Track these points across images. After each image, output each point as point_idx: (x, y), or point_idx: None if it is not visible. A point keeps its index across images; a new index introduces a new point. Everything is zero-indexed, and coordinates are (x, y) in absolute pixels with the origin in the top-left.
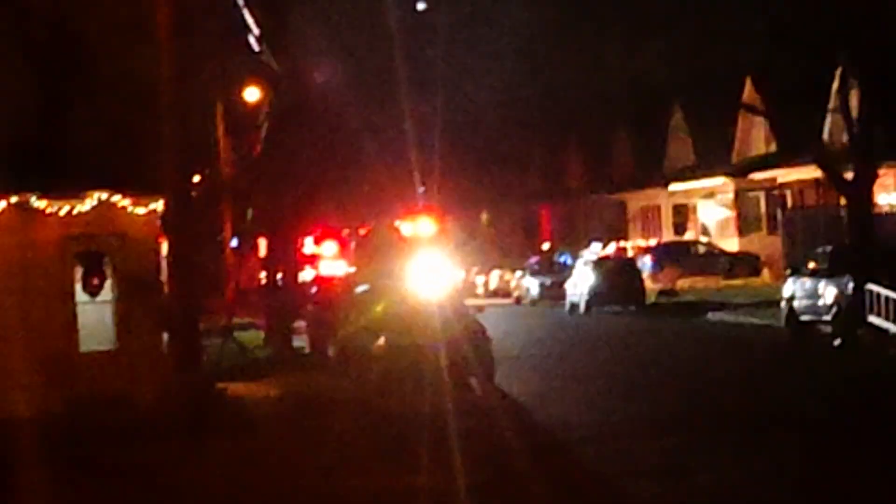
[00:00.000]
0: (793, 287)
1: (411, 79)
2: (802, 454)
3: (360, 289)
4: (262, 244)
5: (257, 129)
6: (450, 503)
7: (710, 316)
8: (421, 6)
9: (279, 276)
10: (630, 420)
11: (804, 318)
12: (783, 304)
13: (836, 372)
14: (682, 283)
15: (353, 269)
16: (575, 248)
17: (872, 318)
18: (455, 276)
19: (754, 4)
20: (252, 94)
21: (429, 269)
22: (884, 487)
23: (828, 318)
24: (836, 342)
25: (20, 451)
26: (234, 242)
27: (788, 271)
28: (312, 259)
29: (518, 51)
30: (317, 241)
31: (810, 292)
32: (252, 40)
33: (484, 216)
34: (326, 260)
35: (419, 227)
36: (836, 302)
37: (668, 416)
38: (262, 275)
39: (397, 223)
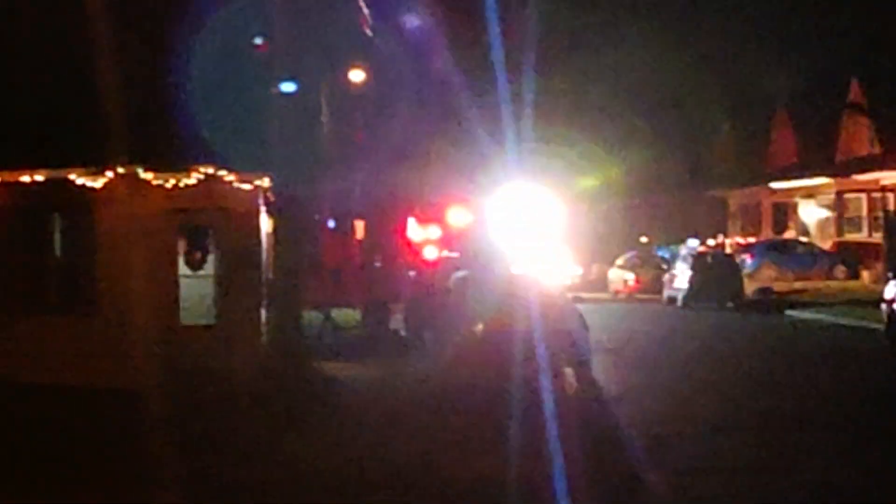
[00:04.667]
0: (893, 290)
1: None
2: (887, 459)
3: (460, 274)
4: (360, 226)
5: (361, 110)
6: (535, 493)
7: (809, 316)
8: None
9: (377, 258)
10: (724, 417)
11: None
12: (884, 306)
13: None
14: (781, 282)
15: (454, 254)
16: (673, 243)
17: None
18: (567, 269)
19: (864, 6)
20: (357, 76)
21: (530, 258)
22: None
23: None
24: None
25: (121, 421)
26: (331, 223)
27: (890, 274)
28: (416, 243)
29: (628, 42)
30: (421, 224)
31: None
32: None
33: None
34: (430, 244)
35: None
36: None
37: (761, 415)
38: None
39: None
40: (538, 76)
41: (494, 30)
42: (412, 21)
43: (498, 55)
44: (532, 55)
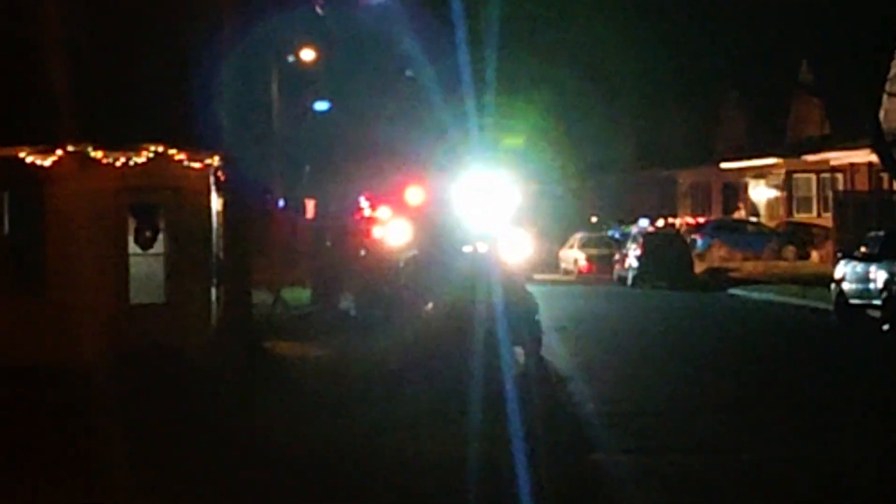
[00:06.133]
0: (843, 270)
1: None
2: (839, 435)
3: (409, 253)
4: (310, 206)
5: (312, 88)
6: (487, 472)
7: (759, 296)
8: None
9: (327, 237)
10: (671, 397)
11: (854, 301)
12: (833, 286)
13: (883, 356)
14: (730, 262)
15: (404, 233)
16: (623, 223)
17: None
18: (523, 249)
19: None
20: (308, 54)
21: (486, 238)
22: None
23: (878, 302)
24: (885, 327)
25: (70, 400)
26: (280, 203)
27: (839, 254)
28: (368, 222)
29: (583, 22)
30: (373, 206)
31: (861, 276)
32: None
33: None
34: (381, 224)
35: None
36: (887, 286)
37: (711, 395)
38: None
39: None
40: (499, 56)
41: (456, 10)
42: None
43: (460, 33)
44: (494, 34)
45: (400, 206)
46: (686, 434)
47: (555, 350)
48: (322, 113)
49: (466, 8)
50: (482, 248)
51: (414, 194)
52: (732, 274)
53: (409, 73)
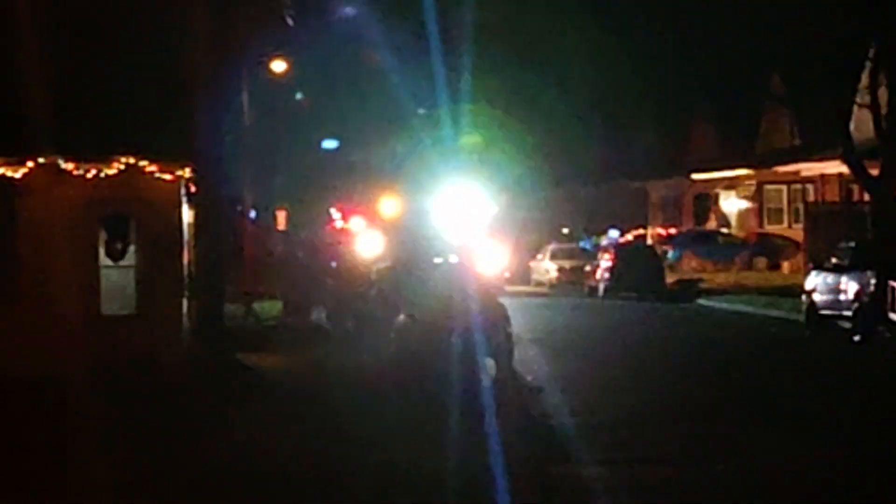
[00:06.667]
0: (814, 281)
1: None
2: (812, 446)
3: (381, 264)
4: (281, 217)
5: (283, 100)
6: (458, 484)
7: (730, 307)
8: None
9: (298, 248)
10: (644, 407)
11: (824, 312)
12: (804, 297)
13: (853, 367)
14: (702, 273)
15: (376, 245)
16: (595, 234)
17: (893, 315)
18: (500, 261)
19: None
20: (279, 66)
21: (461, 249)
22: (889, 482)
23: (848, 313)
24: (856, 338)
25: (41, 411)
26: (252, 214)
27: (810, 265)
28: (340, 233)
29: (556, 34)
30: (345, 217)
31: (831, 287)
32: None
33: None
34: (354, 235)
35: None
36: (858, 297)
37: (685, 405)
38: (281, 246)
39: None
40: (472, 68)
41: (430, 22)
42: (341, 9)
43: (435, 43)
44: (466, 46)
45: (372, 218)
46: (660, 444)
47: (527, 361)
48: (330, 151)
49: (439, 19)
50: (454, 259)
51: (386, 205)
52: (704, 285)
53: (421, 110)
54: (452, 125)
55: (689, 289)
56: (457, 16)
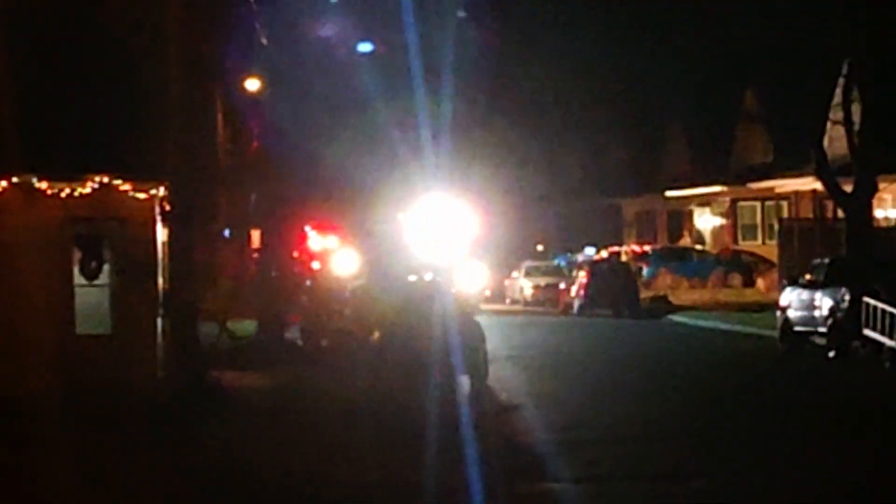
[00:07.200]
0: (789, 297)
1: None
2: (788, 461)
3: (356, 283)
4: (255, 235)
5: (257, 118)
6: (424, 499)
7: (705, 323)
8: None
9: (273, 266)
10: (619, 424)
11: (799, 328)
12: (778, 313)
13: (828, 383)
14: (676, 290)
15: (352, 263)
16: (570, 252)
17: (867, 331)
18: (480, 279)
19: (758, 14)
20: (252, 84)
21: (426, 267)
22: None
23: (823, 329)
24: (831, 354)
25: (13, 429)
26: (226, 233)
27: (785, 281)
28: (315, 252)
29: (522, 58)
30: (321, 234)
31: (806, 303)
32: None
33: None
34: (329, 253)
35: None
36: (832, 313)
37: (660, 422)
38: (256, 265)
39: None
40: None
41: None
42: (317, 28)
43: (415, 64)
44: (448, 66)
45: (347, 236)
46: (635, 461)
47: (503, 379)
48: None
49: (419, 38)
50: (428, 277)
51: (362, 224)
52: (678, 302)
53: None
54: (432, 143)
55: (663, 306)
56: (437, 37)
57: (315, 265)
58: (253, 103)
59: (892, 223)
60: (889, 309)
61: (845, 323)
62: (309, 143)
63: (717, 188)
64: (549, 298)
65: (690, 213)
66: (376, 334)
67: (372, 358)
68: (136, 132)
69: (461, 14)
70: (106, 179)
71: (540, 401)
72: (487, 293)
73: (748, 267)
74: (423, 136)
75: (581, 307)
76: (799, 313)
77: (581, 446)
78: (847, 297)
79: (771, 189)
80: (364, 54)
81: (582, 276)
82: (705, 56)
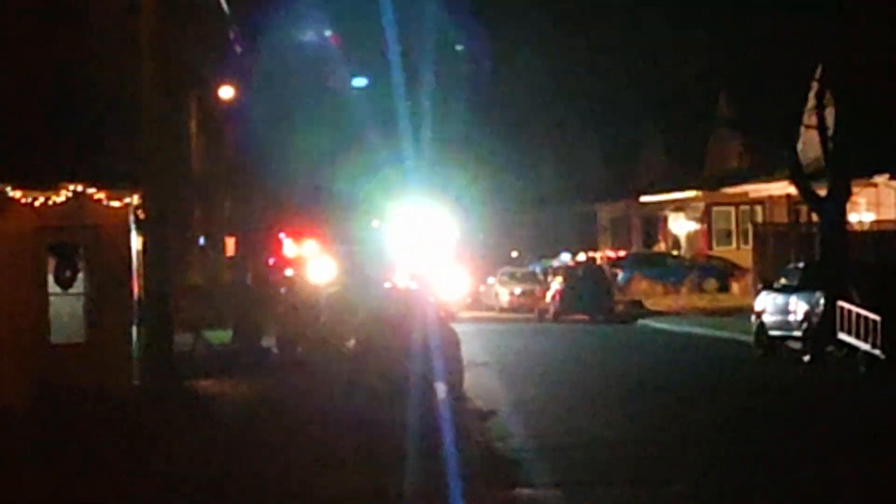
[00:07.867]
0: (763, 302)
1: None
2: (765, 465)
3: (331, 290)
4: (230, 243)
5: (232, 126)
6: None
7: (680, 329)
8: None
9: (248, 274)
10: (596, 430)
11: (774, 333)
12: (753, 318)
13: (803, 388)
14: (651, 295)
15: (327, 270)
16: (545, 257)
17: (842, 335)
18: (459, 286)
19: (731, 19)
20: (227, 92)
21: (403, 274)
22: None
23: (798, 333)
24: (806, 358)
25: None
26: (201, 240)
27: (760, 286)
28: (289, 260)
29: (498, 64)
30: (296, 241)
31: (781, 308)
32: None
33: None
34: (305, 261)
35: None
36: (807, 318)
37: (638, 427)
38: (230, 273)
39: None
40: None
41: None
42: (296, 35)
43: (396, 71)
44: (427, 75)
45: (322, 243)
46: (614, 466)
47: (479, 385)
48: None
49: (400, 46)
50: (404, 283)
51: (338, 231)
52: (653, 307)
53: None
54: (412, 150)
55: (639, 311)
56: (416, 44)
57: (289, 272)
58: (228, 111)
59: (866, 227)
60: (863, 313)
61: (820, 327)
62: (284, 150)
63: (691, 193)
64: (524, 305)
65: (665, 219)
66: (352, 342)
67: (348, 365)
68: (109, 140)
69: (459, 48)
70: (80, 188)
71: (516, 407)
72: (468, 300)
73: (723, 272)
74: (401, 144)
75: (556, 313)
76: (774, 318)
77: (558, 451)
78: (822, 302)
79: (745, 194)
80: (357, 88)
81: (557, 283)
82: (679, 62)
